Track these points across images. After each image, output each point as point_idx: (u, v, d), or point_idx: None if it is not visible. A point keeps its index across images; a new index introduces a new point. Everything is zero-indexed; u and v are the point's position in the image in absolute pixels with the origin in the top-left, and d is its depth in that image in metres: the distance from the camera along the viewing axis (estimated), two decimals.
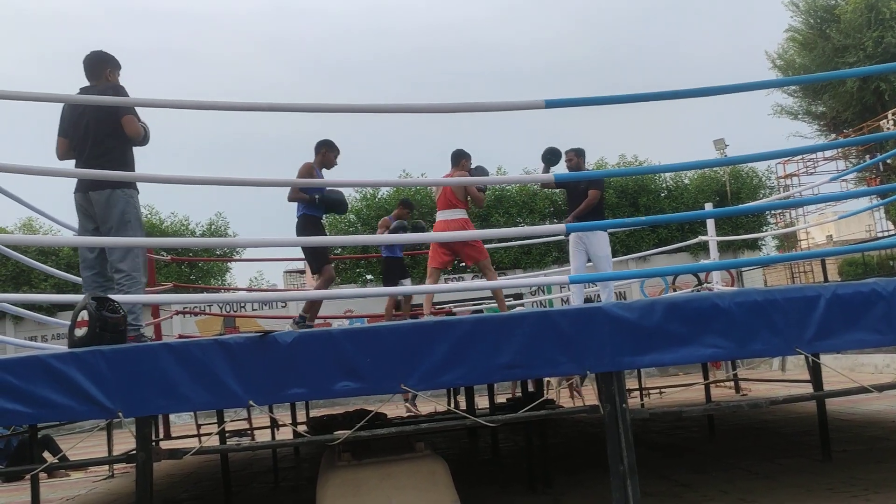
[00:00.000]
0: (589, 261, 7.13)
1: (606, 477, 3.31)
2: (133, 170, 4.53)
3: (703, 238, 10.91)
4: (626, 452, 3.20)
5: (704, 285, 11.15)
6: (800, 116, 24.84)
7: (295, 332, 3.10)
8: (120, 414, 2.92)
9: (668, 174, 18.53)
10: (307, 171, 5.71)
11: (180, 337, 8.54)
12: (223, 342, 3.03)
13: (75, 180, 4.46)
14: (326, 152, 5.97)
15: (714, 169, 18.31)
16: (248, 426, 9.80)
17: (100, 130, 4.38)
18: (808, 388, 5.31)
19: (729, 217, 17.70)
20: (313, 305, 6.20)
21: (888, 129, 14.50)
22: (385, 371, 3.12)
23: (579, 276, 6.83)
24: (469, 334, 3.20)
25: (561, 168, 6.97)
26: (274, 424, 7.27)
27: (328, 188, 5.85)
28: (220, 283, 18.00)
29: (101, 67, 4.54)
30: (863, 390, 3.46)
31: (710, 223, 10.82)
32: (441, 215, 6.49)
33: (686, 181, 18.43)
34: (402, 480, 3.65)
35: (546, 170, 6.78)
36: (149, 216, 18.23)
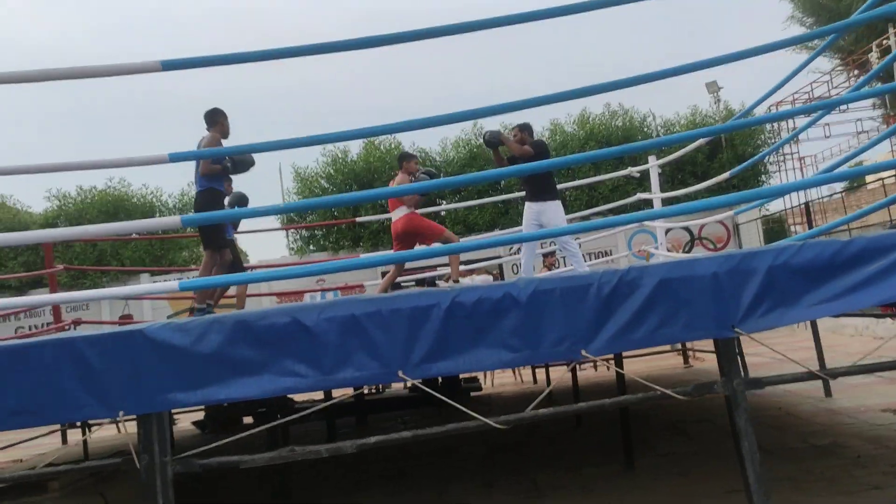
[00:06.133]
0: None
1: None
2: None
3: (644, 196, 9.82)
4: None
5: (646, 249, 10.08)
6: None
7: None
8: None
9: (659, 123, 17.22)
10: (216, 141, 5.55)
11: (74, 323, 7.96)
12: None
13: None
14: (223, 121, 5.70)
15: (707, 113, 16.93)
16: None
17: None
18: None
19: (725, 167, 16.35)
20: (207, 291, 5.73)
21: (874, 62, 12.86)
22: None
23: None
24: None
25: None
26: (86, 426, 6.80)
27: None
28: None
29: None
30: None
31: (654, 175, 9.57)
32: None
33: (677, 128, 17.06)
34: None
35: (496, 152, 6.27)
36: (119, 188, 18.00)
